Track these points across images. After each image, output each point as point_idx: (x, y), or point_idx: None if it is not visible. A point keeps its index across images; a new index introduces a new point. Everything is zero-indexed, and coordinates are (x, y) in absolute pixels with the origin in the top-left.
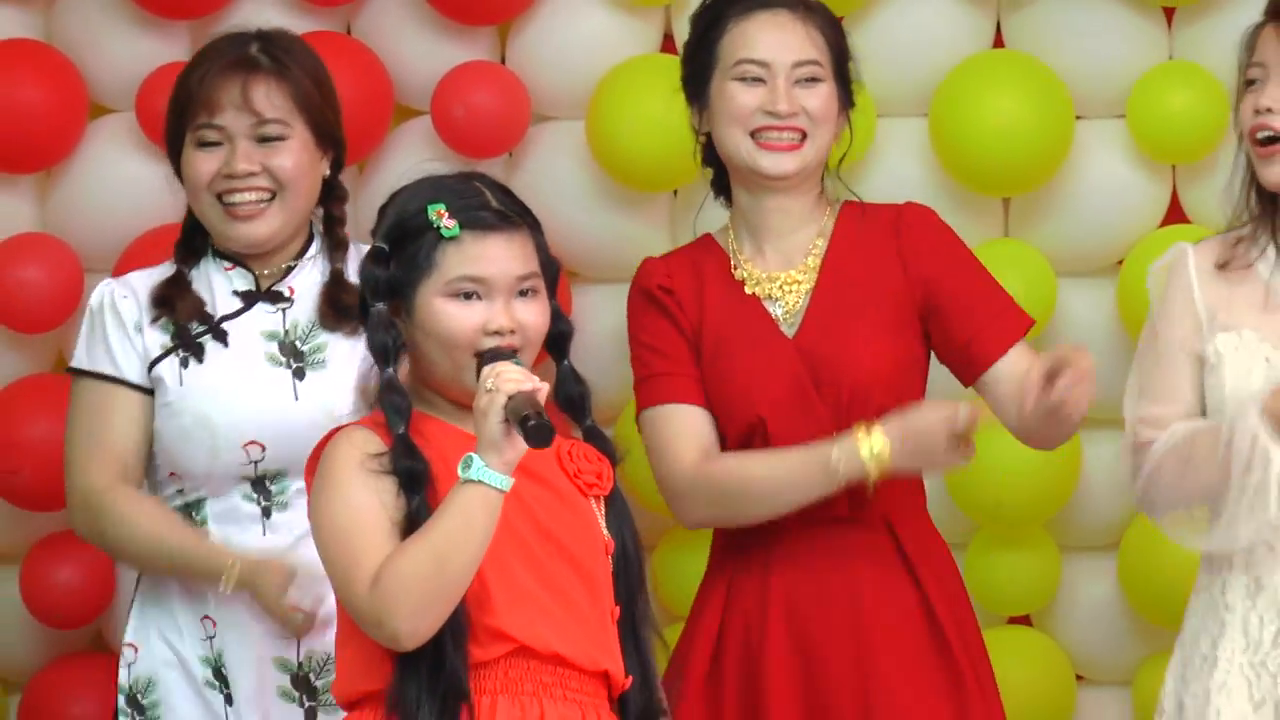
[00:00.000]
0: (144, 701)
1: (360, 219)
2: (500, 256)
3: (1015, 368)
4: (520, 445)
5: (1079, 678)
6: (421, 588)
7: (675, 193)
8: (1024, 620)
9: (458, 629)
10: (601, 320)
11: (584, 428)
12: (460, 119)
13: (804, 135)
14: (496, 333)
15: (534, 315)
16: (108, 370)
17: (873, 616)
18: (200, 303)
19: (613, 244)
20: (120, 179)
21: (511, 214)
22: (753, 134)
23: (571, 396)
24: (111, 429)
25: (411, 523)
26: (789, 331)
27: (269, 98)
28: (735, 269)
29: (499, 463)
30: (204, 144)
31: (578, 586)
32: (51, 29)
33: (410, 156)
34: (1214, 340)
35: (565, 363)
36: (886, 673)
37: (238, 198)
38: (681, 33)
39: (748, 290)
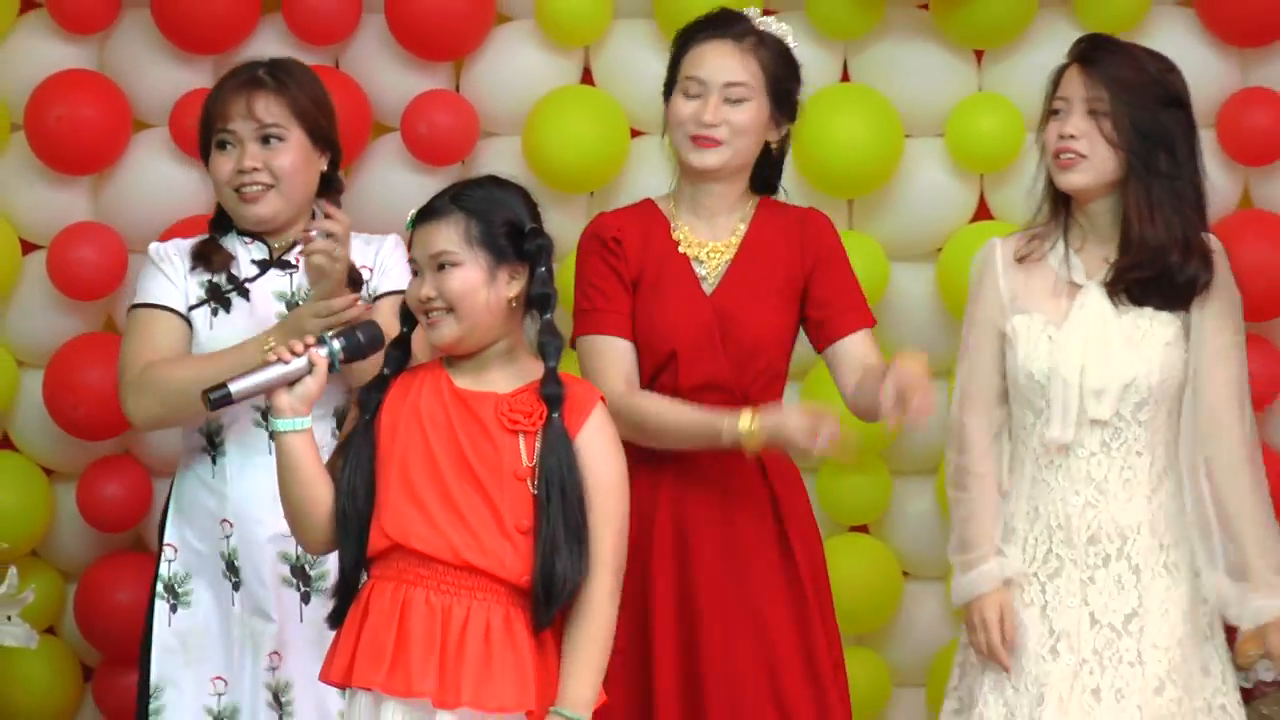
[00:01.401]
0: (179, 590)
1: (352, 204)
2: (423, 241)
3: (854, 349)
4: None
5: (905, 574)
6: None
7: (591, 194)
8: (862, 529)
9: (359, 517)
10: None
11: (546, 369)
12: (424, 134)
13: (723, 142)
14: (424, 302)
15: (447, 283)
16: (160, 301)
17: (739, 525)
18: (230, 258)
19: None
20: (157, 180)
21: (438, 204)
22: (690, 135)
23: (544, 344)
24: (157, 335)
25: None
26: (708, 289)
27: (268, 108)
28: (674, 231)
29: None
30: (221, 146)
31: (477, 502)
32: (103, 60)
33: (384, 164)
34: (1011, 320)
35: (545, 317)
36: (744, 567)
37: (245, 189)
38: (599, 70)
39: (681, 250)
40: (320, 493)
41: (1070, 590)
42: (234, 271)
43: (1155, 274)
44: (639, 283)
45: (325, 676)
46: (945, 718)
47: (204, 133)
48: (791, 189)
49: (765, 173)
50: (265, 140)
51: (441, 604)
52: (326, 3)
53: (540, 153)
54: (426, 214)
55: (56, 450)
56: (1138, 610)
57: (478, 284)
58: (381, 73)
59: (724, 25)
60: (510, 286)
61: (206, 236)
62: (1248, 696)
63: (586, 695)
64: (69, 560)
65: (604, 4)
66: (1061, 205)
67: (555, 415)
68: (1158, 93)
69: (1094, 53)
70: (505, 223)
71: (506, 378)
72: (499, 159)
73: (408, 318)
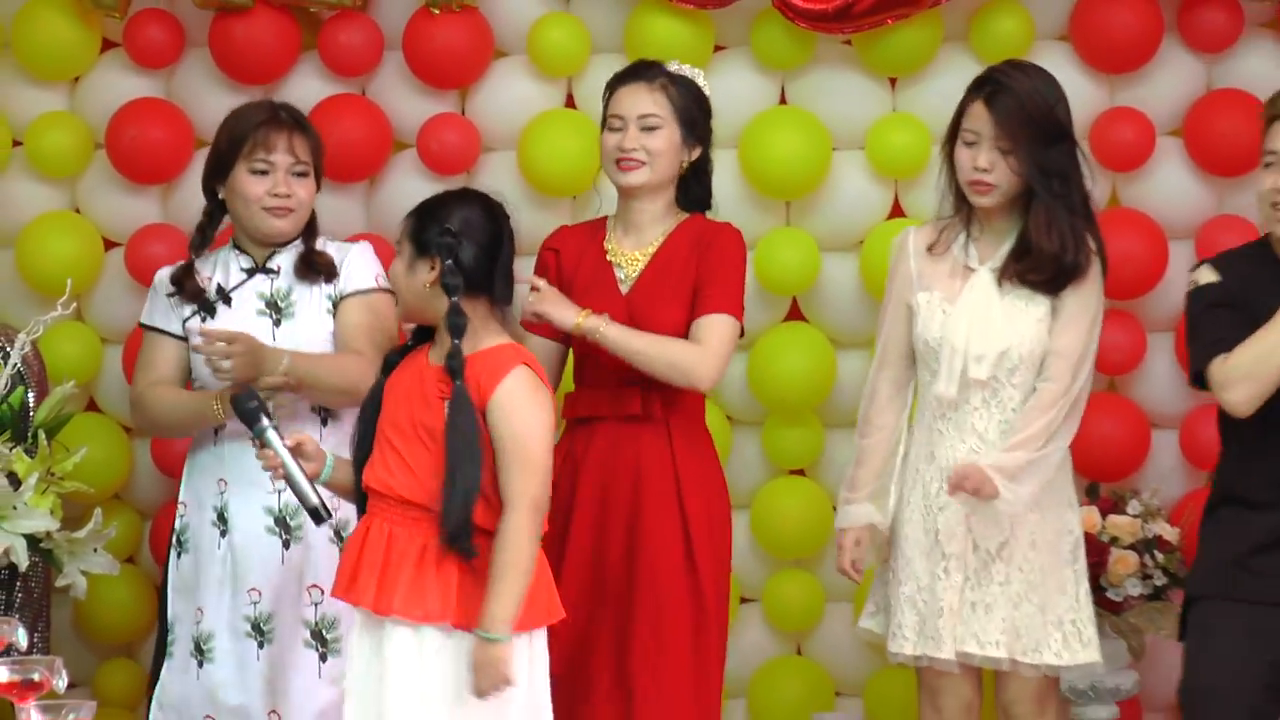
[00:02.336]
0: (184, 540)
1: (370, 218)
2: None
3: (701, 329)
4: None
5: (834, 508)
6: None
7: (574, 198)
8: (800, 472)
9: (362, 457)
10: (528, 270)
11: (451, 344)
12: (435, 150)
13: (639, 164)
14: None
15: (390, 268)
16: (156, 324)
17: (645, 485)
18: (199, 289)
19: (532, 227)
20: None
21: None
22: (615, 161)
23: (450, 324)
24: (156, 362)
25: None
26: (624, 290)
27: (303, 148)
28: (607, 242)
29: None
30: (256, 170)
31: (420, 449)
32: (169, 90)
33: (402, 174)
34: (916, 295)
35: (452, 299)
36: (646, 522)
37: (279, 214)
38: (580, 96)
39: (608, 258)
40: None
41: (958, 521)
42: (220, 281)
43: (1048, 276)
44: (572, 285)
45: (333, 593)
46: (864, 617)
47: (228, 154)
48: (738, 194)
49: (699, 192)
50: (296, 174)
51: (390, 531)
52: (354, 43)
53: (531, 165)
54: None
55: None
56: (1009, 540)
57: (400, 271)
58: (400, 100)
59: (637, 72)
60: (429, 273)
61: (183, 265)
62: (1119, 609)
63: (501, 616)
64: (144, 502)
65: (584, 41)
66: (964, 203)
67: (458, 383)
68: (1050, 130)
69: (998, 94)
70: (436, 221)
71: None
72: (498, 170)
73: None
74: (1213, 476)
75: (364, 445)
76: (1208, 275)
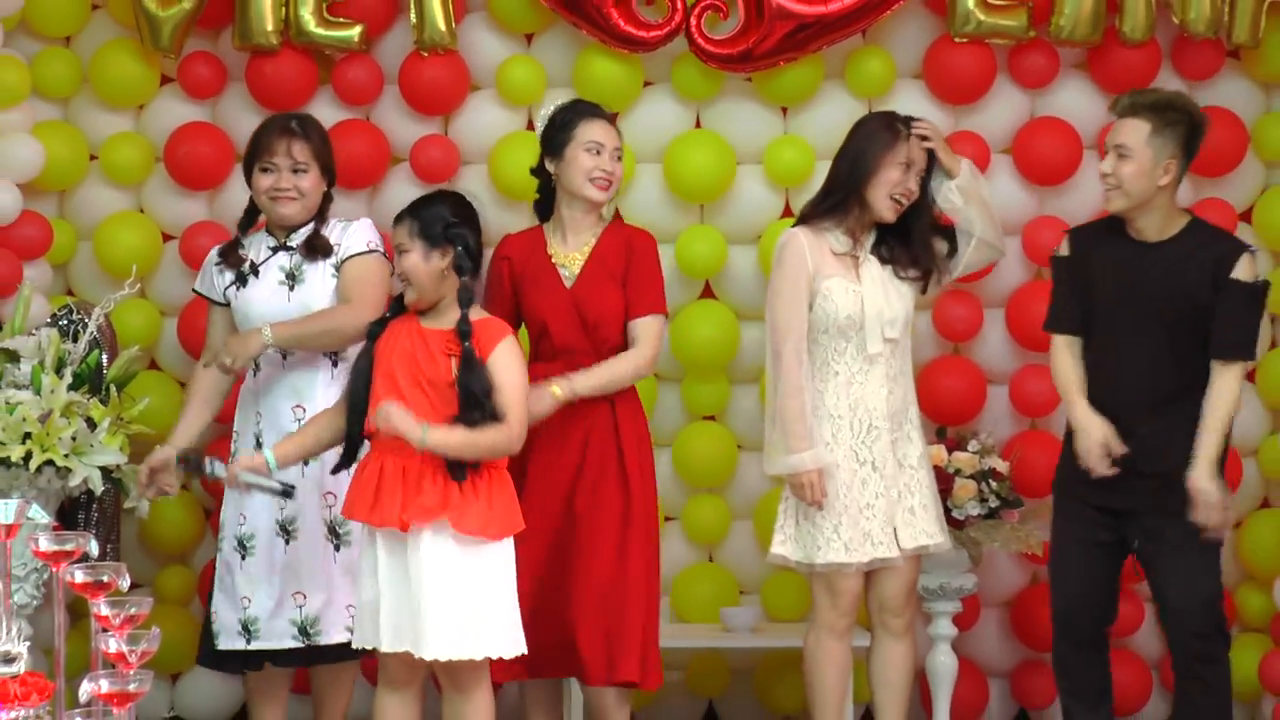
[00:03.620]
0: (234, 458)
1: (376, 212)
2: (394, 236)
3: (639, 329)
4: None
5: (739, 447)
6: None
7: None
8: (711, 418)
9: (359, 406)
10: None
11: (462, 313)
12: (424, 164)
13: (612, 184)
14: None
15: (404, 264)
16: (203, 290)
17: (591, 432)
18: (240, 260)
19: (501, 224)
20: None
21: (400, 214)
22: (590, 179)
23: (462, 298)
24: (210, 336)
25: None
26: (568, 284)
27: (299, 151)
28: (548, 247)
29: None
30: (264, 170)
31: (422, 399)
32: (214, 115)
33: (398, 183)
34: (823, 283)
35: (462, 279)
36: (591, 458)
37: (284, 203)
38: (537, 120)
39: (551, 261)
40: (325, 441)
41: (886, 447)
42: (252, 259)
43: (925, 270)
44: (521, 282)
45: (346, 513)
46: (776, 546)
47: (250, 157)
48: (662, 199)
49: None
50: (295, 171)
51: (403, 465)
52: (359, 78)
53: (499, 175)
54: (398, 217)
55: (186, 369)
56: (921, 455)
57: (418, 262)
58: (396, 124)
59: (602, 111)
60: (443, 260)
61: (230, 241)
62: (962, 525)
63: (439, 442)
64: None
65: (541, 78)
66: (845, 206)
67: (466, 344)
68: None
69: (910, 128)
70: (439, 219)
71: (449, 320)
72: (473, 179)
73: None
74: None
75: (361, 395)
76: (1064, 248)
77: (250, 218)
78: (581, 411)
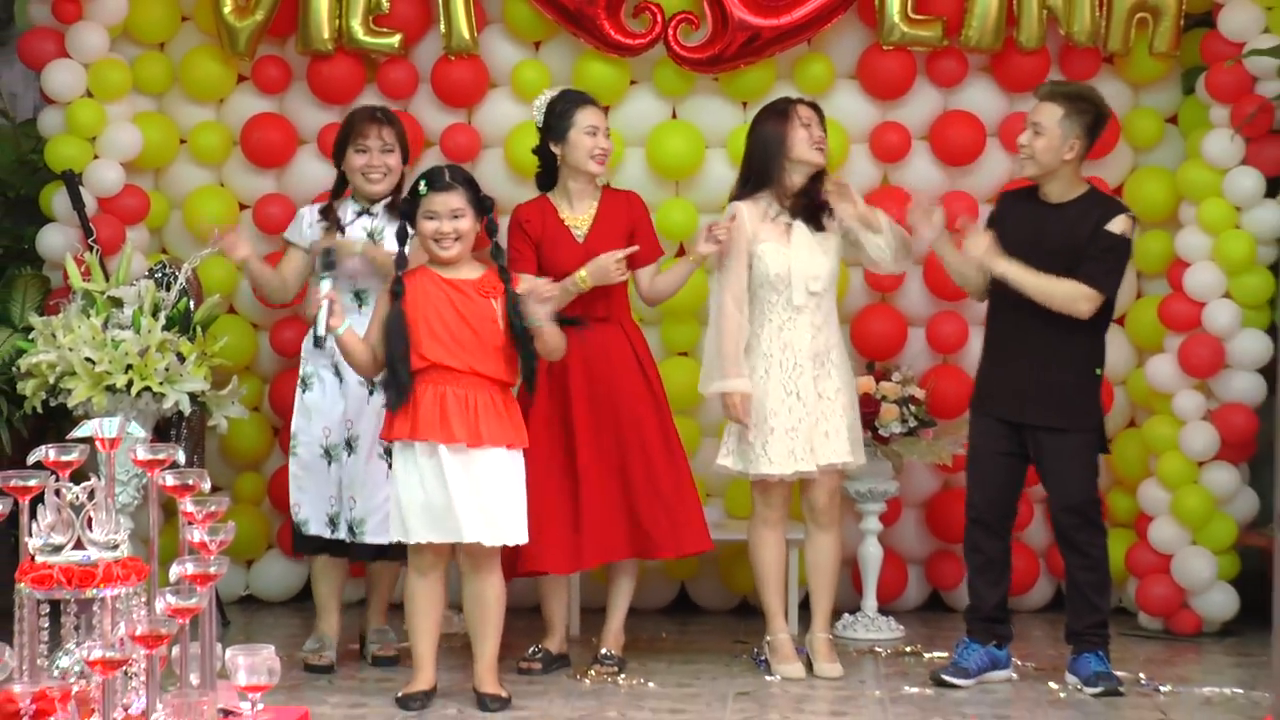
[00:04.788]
0: (308, 381)
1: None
2: (440, 200)
3: (645, 273)
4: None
5: None
6: None
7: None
8: (684, 354)
9: (404, 353)
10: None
11: (498, 265)
12: (451, 148)
13: (607, 158)
14: (439, 234)
15: (460, 225)
16: (291, 238)
17: (617, 362)
18: (337, 218)
19: (515, 195)
20: (306, 170)
21: (451, 181)
22: (592, 157)
23: (496, 253)
24: (284, 269)
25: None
26: (580, 239)
27: (387, 135)
28: (559, 212)
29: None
30: (358, 150)
31: (469, 334)
32: (281, 108)
33: (431, 163)
34: (758, 246)
35: (494, 239)
36: (621, 385)
37: (374, 177)
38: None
39: (565, 223)
40: (369, 354)
41: (809, 381)
42: (341, 219)
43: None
44: (541, 241)
45: (388, 436)
46: (720, 459)
47: (342, 142)
48: (646, 175)
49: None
50: (384, 150)
51: (464, 393)
52: (399, 77)
53: (513, 157)
54: (441, 186)
55: (258, 313)
56: (838, 389)
57: (472, 224)
58: (429, 115)
59: (590, 98)
60: (478, 224)
61: (326, 204)
62: (887, 442)
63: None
64: (264, 372)
65: (547, 78)
66: (772, 177)
67: (509, 286)
68: None
69: (821, 114)
70: (479, 190)
71: (471, 271)
72: (492, 160)
73: (403, 240)
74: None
75: (404, 344)
76: (996, 205)
77: (340, 187)
78: (604, 337)
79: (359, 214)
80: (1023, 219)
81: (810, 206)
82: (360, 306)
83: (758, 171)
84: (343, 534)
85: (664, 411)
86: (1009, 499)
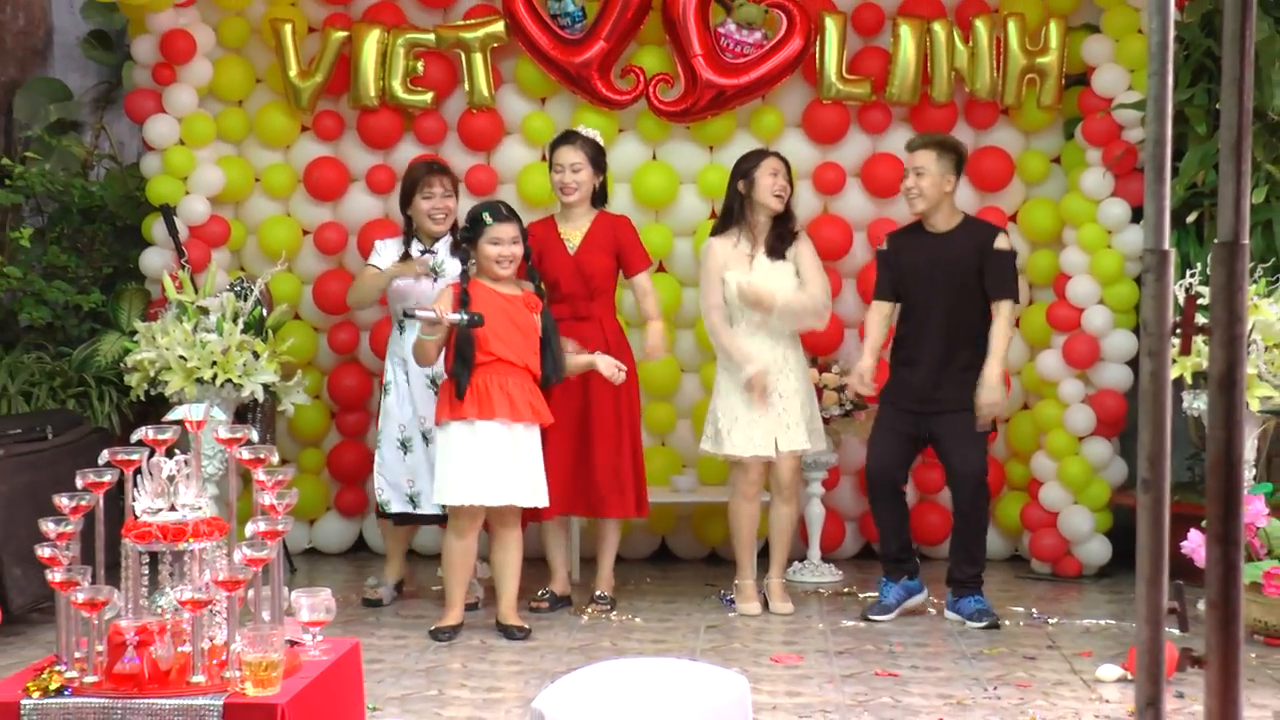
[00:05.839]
0: (388, 386)
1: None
2: (503, 229)
3: (640, 281)
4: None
5: (681, 369)
6: None
7: (546, 208)
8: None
9: (470, 350)
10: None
11: (535, 284)
12: (474, 184)
13: (574, 189)
14: (502, 257)
15: (516, 250)
16: (374, 263)
17: (593, 350)
18: (406, 254)
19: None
20: (357, 205)
21: (509, 213)
22: (559, 188)
23: (530, 274)
24: (362, 273)
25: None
26: (571, 250)
27: (446, 183)
28: (558, 228)
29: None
30: (425, 197)
31: (520, 339)
32: (337, 153)
33: (460, 196)
34: (727, 274)
35: (528, 262)
36: (590, 374)
37: (437, 218)
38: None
39: (561, 238)
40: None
41: (770, 383)
42: (409, 254)
43: (785, 247)
44: (541, 251)
45: (445, 417)
46: (704, 442)
47: (409, 190)
48: (631, 205)
49: (602, 195)
50: (445, 196)
51: (514, 381)
52: (432, 127)
53: (524, 190)
54: (501, 217)
55: (320, 319)
56: (795, 389)
57: (521, 249)
58: (456, 157)
59: (567, 138)
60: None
61: (404, 248)
62: (829, 422)
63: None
64: (323, 366)
65: (551, 127)
66: (742, 216)
67: (546, 305)
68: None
69: (788, 166)
70: (521, 224)
71: (513, 288)
72: (508, 194)
73: (465, 260)
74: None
75: (472, 347)
76: (884, 245)
77: (407, 232)
78: (584, 333)
79: (423, 251)
80: (916, 249)
81: (772, 240)
82: (435, 278)
83: (729, 210)
84: (409, 507)
85: (627, 398)
86: (899, 469)
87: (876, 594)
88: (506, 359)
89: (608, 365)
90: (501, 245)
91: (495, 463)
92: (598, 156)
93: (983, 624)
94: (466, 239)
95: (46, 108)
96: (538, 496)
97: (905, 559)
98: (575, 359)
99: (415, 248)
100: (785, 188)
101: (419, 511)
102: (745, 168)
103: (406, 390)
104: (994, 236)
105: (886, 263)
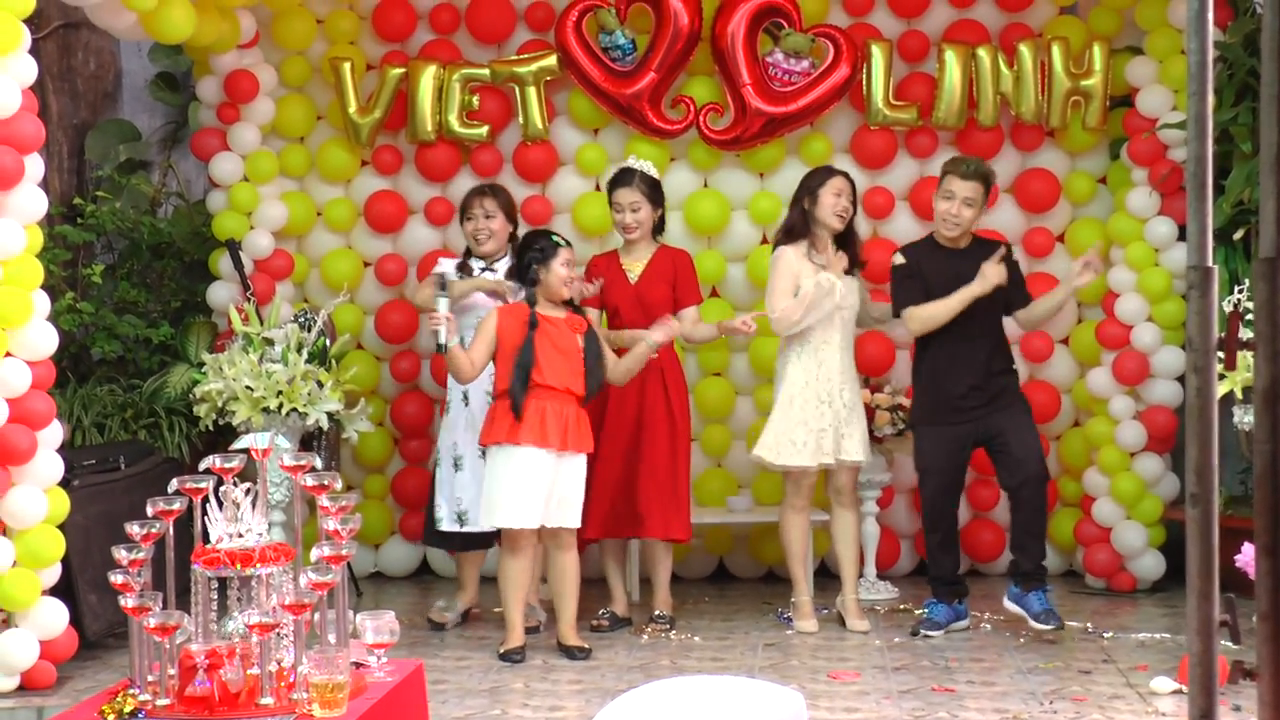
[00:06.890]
0: (449, 406)
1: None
2: (569, 254)
3: (687, 314)
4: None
5: (736, 393)
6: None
7: (600, 237)
8: (718, 374)
9: (527, 374)
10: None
11: (581, 310)
12: (529, 214)
13: (635, 228)
14: (570, 280)
15: (578, 273)
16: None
17: (646, 379)
18: (470, 271)
19: (581, 251)
20: (417, 234)
21: (568, 242)
22: (621, 227)
23: (573, 301)
24: (424, 285)
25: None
26: (633, 280)
27: (489, 205)
28: (621, 260)
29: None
30: (466, 219)
31: (563, 363)
32: (395, 186)
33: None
34: (801, 280)
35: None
36: (648, 396)
37: (480, 238)
38: (602, 185)
39: (623, 268)
40: (470, 364)
41: (836, 391)
42: (473, 271)
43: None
44: (605, 282)
45: (493, 440)
46: (757, 449)
47: (461, 215)
48: (685, 233)
49: (660, 227)
50: (486, 217)
51: (558, 408)
52: (488, 160)
53: (579, 220)
54: (567, 243)
55: (382, 348)
56: (855, 401)
57: (573, 272)
58: (512, 189)
59: (624, 178)
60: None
61: (461, 266)
62: (881, 441)
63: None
64: (386, 395)
65: (605, 157)
66: (807, 229)
67: (590, 327)
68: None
69: (853, 186)
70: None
71: (558, 311)
72: (563, 224)
73: (532, 285)
74: (915, 364)
75: (529, 368)
76: (900, 259)
77: (468, 252)
78: (644, 370)
79: (482, 270)
80: (940, 264)
81: (841, 255)
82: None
83: (795, 222)
84: (456, 525)
85: (679, 425)
86: (955, 487)
87: (926, 610)
88: (549, 384)
89: (664, 332)
90: (570, 268)
91: (543, 486)
92: (654, 192)
93: (1051, 626)
94: (537, 260)
95: (116, 148)
96: (578, 517)
97: (957, 582)
98: (633, 350)
99: (476, 265)
100: (848, 208)
101: (464, 530)
102: (812, 185)
103: (463, 410)
104: (1009, 250)
105: (910, 274)
